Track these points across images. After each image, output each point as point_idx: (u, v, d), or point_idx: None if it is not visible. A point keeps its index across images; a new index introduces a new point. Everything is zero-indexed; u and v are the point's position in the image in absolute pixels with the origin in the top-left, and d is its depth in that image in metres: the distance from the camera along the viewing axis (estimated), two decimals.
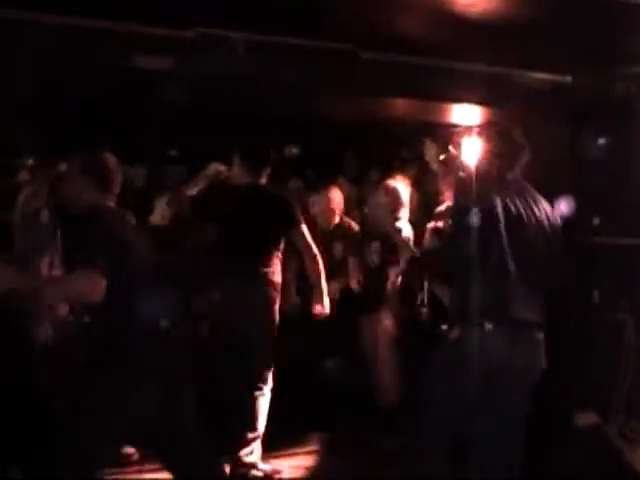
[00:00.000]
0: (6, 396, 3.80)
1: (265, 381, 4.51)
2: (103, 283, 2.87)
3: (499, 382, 3.24)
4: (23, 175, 4.74)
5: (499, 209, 3.23)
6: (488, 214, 3.21)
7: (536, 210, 3.34)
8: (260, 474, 4.47)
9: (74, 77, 4.66)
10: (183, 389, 3.22)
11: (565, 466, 4.15)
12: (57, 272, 4.02)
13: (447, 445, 3.25)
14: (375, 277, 5.32)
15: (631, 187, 4.73)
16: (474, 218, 3.15)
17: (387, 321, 5.29)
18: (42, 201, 4.28)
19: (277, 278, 4.57)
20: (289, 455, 4.97)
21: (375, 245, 5.34)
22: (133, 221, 4.17)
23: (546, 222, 3.36)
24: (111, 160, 3.36)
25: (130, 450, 4.60)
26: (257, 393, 4.47)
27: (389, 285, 5.28)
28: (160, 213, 5.26)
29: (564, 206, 3.57)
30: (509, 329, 3.23)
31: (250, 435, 4.43)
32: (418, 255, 3.79)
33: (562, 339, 3.94)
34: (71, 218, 3.41)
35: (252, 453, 4.45)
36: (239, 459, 4.41)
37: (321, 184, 5.87)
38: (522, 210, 3.30)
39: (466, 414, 3.23)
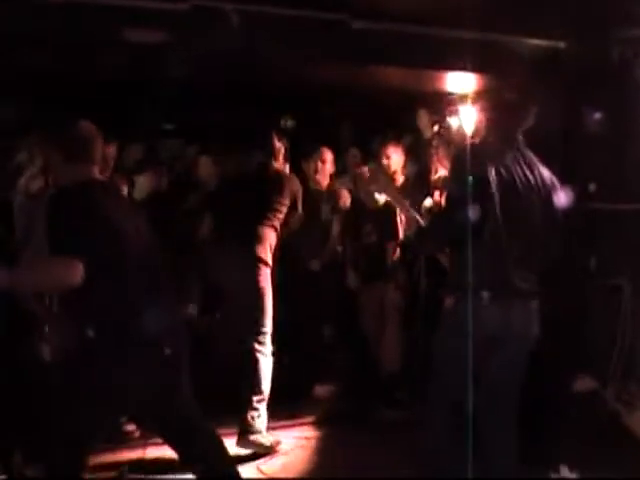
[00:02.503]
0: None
1: (262, 342, 4.51)
2: (80, 267, 2.72)
3: (496, 350, 3.26)
4: (23, 156, 4.56)
5: (493, 178, 3.21)
6: (482, 183, 3.19)
7: (532, 178, 3.31)
8: (267, 442, 4.49)
9: (69, 53, 4.61)
10: (180, 368, 3.18)
11: (565, 431, 4.19)
12: None
13: (450, 413, 3.27)
14: (374, 252, 5.33)
15: (628, 153, 4.72)
16: (469, 188, 3.14)
17: (391, 292, 5.31)
18: (42, 182, 4.10)
19: (268, 249, 4.61)
20: (289, 426, 4.99)
21: (369, 225, 5.36)
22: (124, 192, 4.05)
23: (543, 190, 3.34)
24: (82, 128, 3.10)
25: (131, 427, 4.63)
26: (258, 355, 4.48)
27: (389, 258, 5.30)
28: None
29: (560, 173, 3.54)
30: (505, 297, 3.24)
31: (255, 398, 4.43)
32: (423, 225, 3.75)
33: (561, 305, 3.95)
34: (58, 196, 3.06)
35: (259, 417, 4.44)
36: (247, 423, 4.41)
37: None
38: (517, 178, 3.28)
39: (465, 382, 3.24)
